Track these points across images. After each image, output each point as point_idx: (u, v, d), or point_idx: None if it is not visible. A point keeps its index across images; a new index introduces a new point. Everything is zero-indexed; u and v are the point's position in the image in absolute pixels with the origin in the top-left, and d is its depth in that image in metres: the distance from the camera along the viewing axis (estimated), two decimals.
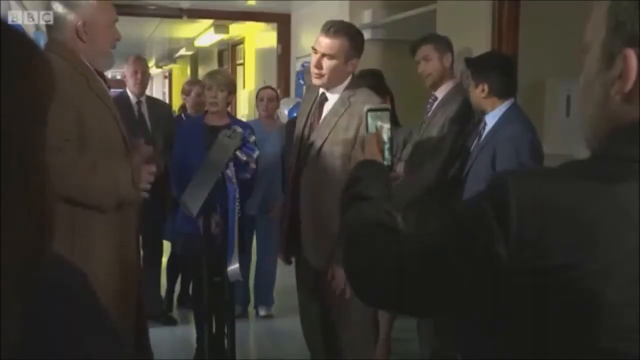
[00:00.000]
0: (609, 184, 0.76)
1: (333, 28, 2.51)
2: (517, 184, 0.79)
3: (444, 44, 3.27)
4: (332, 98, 2.59)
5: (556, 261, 0.75)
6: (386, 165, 1.48)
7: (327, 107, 2.60)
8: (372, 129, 1.56)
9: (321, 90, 2.63)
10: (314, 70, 2.55)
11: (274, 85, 6.83)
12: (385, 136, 1.54)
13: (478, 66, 2.87)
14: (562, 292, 0.75)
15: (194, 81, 5.41)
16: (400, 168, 3.39)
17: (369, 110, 1.58)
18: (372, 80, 3.39)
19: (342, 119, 2.53)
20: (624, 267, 0.73)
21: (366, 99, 2.51)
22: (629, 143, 0.78)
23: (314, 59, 2.53)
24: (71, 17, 2.17)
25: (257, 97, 4.55)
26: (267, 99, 4.40)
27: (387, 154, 1.52)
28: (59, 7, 2.19)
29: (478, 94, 2.84)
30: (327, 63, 2.51)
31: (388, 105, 2.43)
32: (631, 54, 0.79)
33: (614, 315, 0.73)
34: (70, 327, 0.71)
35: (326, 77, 2.52)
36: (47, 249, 0.69)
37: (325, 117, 2.59)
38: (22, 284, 0.64)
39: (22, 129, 0.67)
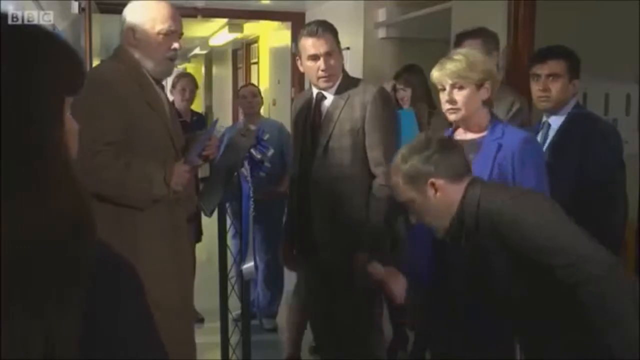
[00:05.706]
0: None
1: (321, 28, 2.55)
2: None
3: (491, 43, 2.93)
4: (329, 95, 2.62)
5: None
6: None
7: (326, 105, 2.61)
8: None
9: (315, 91, 2.64)
10: (326, 73, 2.56)
11: (288, 84, 6.83)
12: None
13: (576, 62, 2.66)
14: None
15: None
16: None
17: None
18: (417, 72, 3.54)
19: (344, 111, 2.55)
20: None
21: (364, 88, 2.58)
22: None
23: (320, 62, 2.54)
24: (125, 24, 2.23)
25: (239, 96, 4.47)
26: (250, 96, 4.36)
27: None
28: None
29: (571, 89, 2.63)
30: (330, 61, 2.55)
31: None
32: None
33: None
34: (116, 326, 0.71)
35: (333, 75, 2.60)
36: (89, 241, 0.68)
37: (326, 113, 2.59)
38: (75, 285, 0.64)
39: (32, 118, 0.67)
